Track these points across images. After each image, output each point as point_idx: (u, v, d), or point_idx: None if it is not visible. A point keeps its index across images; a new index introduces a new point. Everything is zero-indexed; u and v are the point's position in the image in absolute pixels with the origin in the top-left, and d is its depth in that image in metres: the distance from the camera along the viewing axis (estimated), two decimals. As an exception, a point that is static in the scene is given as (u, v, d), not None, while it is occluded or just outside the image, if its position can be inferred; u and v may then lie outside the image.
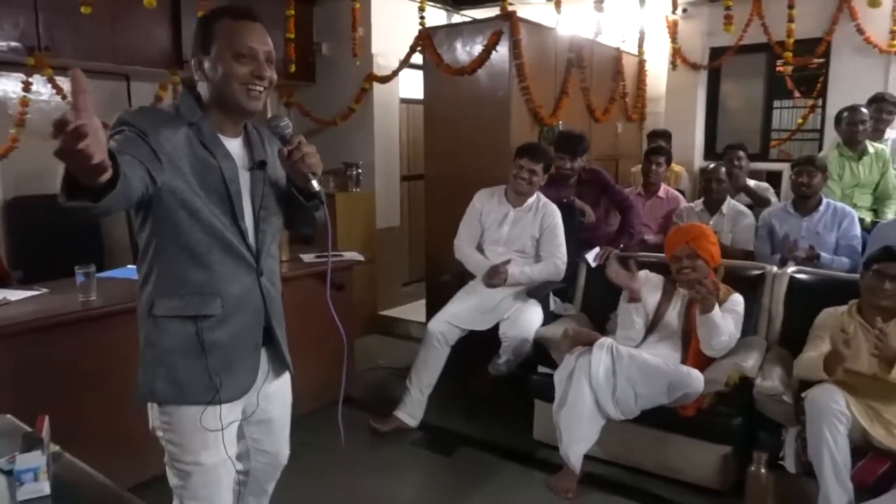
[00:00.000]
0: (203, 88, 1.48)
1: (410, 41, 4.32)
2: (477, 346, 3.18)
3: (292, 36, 4.51)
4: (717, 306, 2.61)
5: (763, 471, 2.34)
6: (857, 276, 2.54)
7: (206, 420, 1.49)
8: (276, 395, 1.70)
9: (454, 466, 2.91)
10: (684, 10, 5.45)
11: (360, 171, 4.82)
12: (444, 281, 3.54)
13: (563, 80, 4.32)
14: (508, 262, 3.17)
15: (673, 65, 5.46)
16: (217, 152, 1.46)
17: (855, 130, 3.74)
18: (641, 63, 5.52)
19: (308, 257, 3.37)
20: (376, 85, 4.85)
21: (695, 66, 5.51)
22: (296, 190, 1.56)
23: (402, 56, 4.49)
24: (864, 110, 3.79)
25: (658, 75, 5.66)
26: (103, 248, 4.04)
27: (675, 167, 4.88)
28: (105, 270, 2.98)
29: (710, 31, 5.35)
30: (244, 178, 1.52)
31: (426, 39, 4.15)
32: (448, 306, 3.24)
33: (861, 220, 3.45)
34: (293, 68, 4.64)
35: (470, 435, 3.15)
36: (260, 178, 1.55)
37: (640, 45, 5.40)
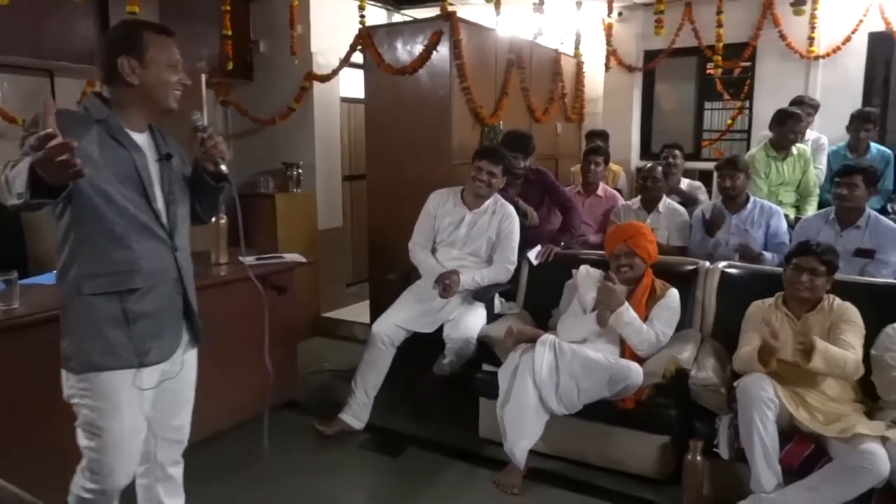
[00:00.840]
0: (121, 88, 1.68)
1: (350, 40, 4.27)
2: (422, 346, 3.17)
3: (229, 33, 4.40)
4: (626, 305, 2.71)
5: (699, 458, 2.43)
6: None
7: (136, 381, 1.69)
8: (188, 364, 1.90)
9: (401, 467, 2.90)
10: (619, 14, 5.61)
11: (300, 171, 4.74)
12: (389, 279, 3.52)
13: (504, 81, 4.37)
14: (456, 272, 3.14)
15: (606, 66, 5.60)
16: (126, 143, 1.68)
17: (793, 139, 3.96)
18: (579, 64, 5.64)
19: (248, 260, 3.27)
20: (316, 84, 4.78)
21: (630, 68, 5.68)
22: (208, 176, 1.79)
23: (343, 55, 4.43)
24: (804, 119, 3.99)
25: (596, 76, 5.80)
26: (26, 254, 3.82)
27: (613, 166, 5.02)
28: (28, 277, 2.83)
29: (644, 34, 5.52)
30: (153, 168, 1.74)
31: (366, 38, 4.12)
32: (393, 308, 3.22)
33: (786, 217, 3.64)
34: (230, 66, 4.53)
35: (416, 435, 3.15)
36: (167, 167, 1.78)
37: (577, 47, 5.52)
